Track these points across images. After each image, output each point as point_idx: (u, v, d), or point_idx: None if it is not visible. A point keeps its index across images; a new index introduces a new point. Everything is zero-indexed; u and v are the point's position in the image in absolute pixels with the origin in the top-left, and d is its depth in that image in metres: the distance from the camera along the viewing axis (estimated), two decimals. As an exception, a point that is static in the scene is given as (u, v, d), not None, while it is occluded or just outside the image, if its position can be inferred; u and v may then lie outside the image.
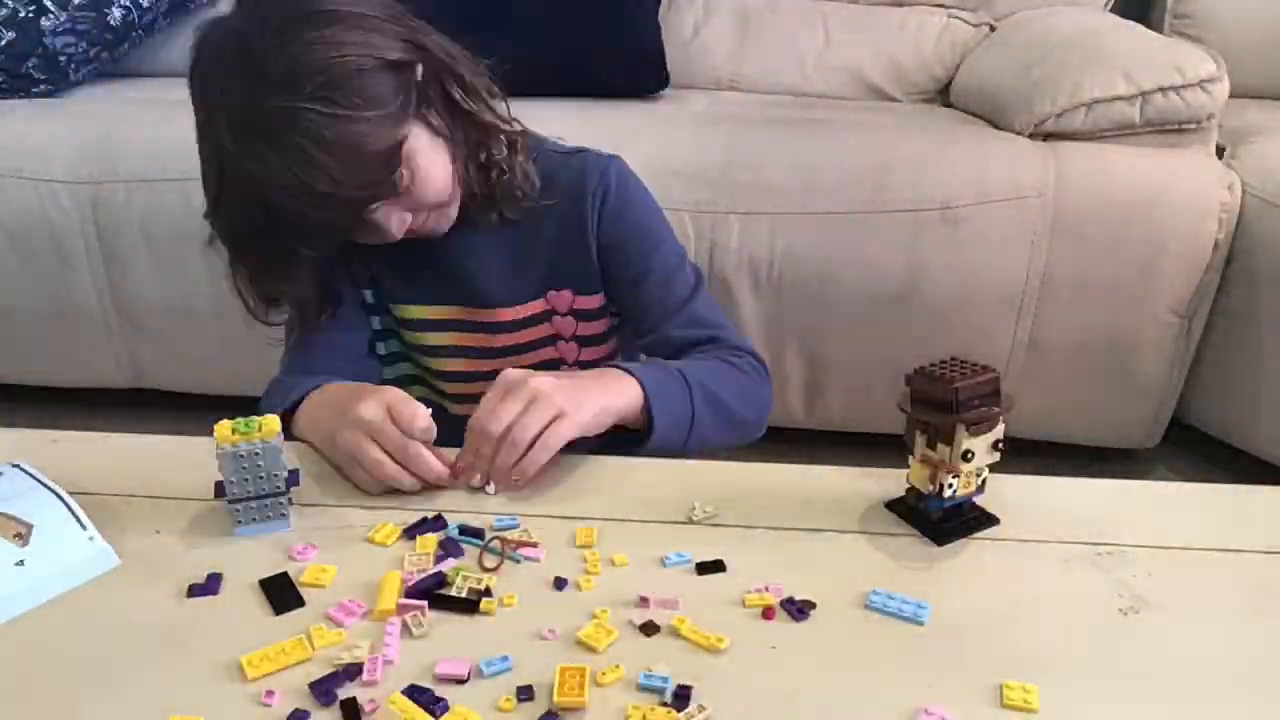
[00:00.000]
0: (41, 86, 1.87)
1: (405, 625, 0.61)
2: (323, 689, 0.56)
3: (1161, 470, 1.78)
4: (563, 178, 0.95)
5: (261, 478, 0.68)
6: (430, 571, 0.65)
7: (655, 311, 0.97)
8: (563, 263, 0.96)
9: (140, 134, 1.68)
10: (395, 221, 0.84)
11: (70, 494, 0.70)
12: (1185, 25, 2.11)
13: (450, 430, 0.77)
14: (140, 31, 1.97)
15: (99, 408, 1.78)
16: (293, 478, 0.71)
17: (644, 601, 0.63)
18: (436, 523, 0.71)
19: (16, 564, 0.64)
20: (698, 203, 1.61)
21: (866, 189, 1.59)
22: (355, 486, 0.75)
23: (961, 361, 0.67)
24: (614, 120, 1.71)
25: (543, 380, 0.76)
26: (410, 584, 0.64)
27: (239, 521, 0.69)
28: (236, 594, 0.64)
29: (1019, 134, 1.66)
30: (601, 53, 1.85)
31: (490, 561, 0.67)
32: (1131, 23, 1.91)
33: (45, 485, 0.71)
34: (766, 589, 0.64)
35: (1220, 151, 1.67)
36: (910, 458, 0.70)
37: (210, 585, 0.65)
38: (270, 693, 0.56)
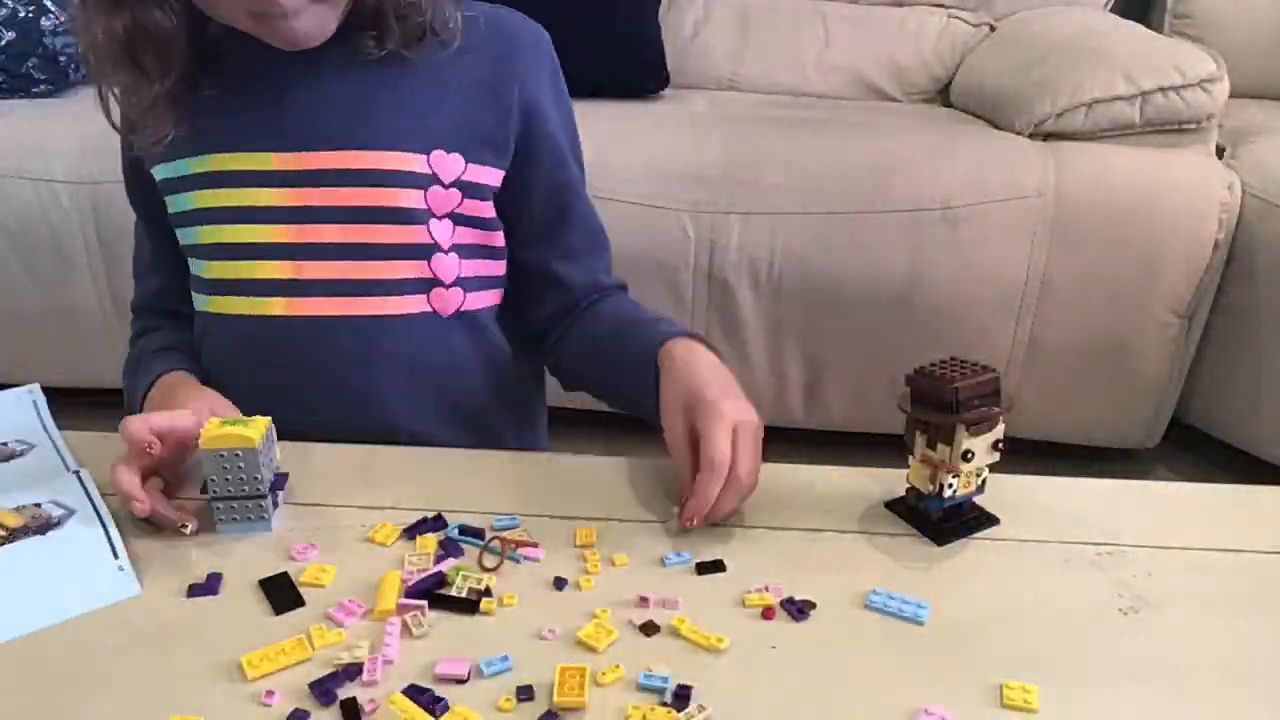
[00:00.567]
0: (41, 86, 1.87)
1: (405, 625, 0.61)
2: (323, 689, 0.56)
3: (1161, 470, 1.78)
4: (483, 24, 0.82)
5: (242, 479, 0.68)
6: (430, 571, 0.65)
7: (575, 239, 0.88)
8: (464, 124, 0.82)
9: (140, 134, 1.68)
10: None
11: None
12: (1185, 25, 2.11)
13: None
14: (140, 31, 1.97)
15: (99, 408, 1.78)
16: (278, 482, 0.71)
17: (644, 601, 0.63)
18: (436, 523, 0.71)
19: (37, 579, 0.64)
20: (698, 203, 1.61)
21: (866, 189, 1.59)
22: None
23: (961, 361, 0.67)
24: (614, 120, 1.71)
25: (737, 405, 0.70)
26: (410, 584, 0.64)
27: (220, 520, 0.69)
28: (236, 594, 0.64)
29: (1019, 134, 1.67)
30: (601, 53, 1.85)
31: (490, 561, 0.67)
32: (1131, 23, 1.91)
33: (93, 502, 0.71)
34: (766, 589, 0.64)
35: (1220, 151, 1.68)
36: (910, 458, 0.70)
37: (210, 585, 0.64)
38: (270, 693, 0.55)
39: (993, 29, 2.10)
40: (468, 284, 0.85)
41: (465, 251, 0.85)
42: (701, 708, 0.54)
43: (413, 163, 0.80)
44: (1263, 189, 1.58)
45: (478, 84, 0.82)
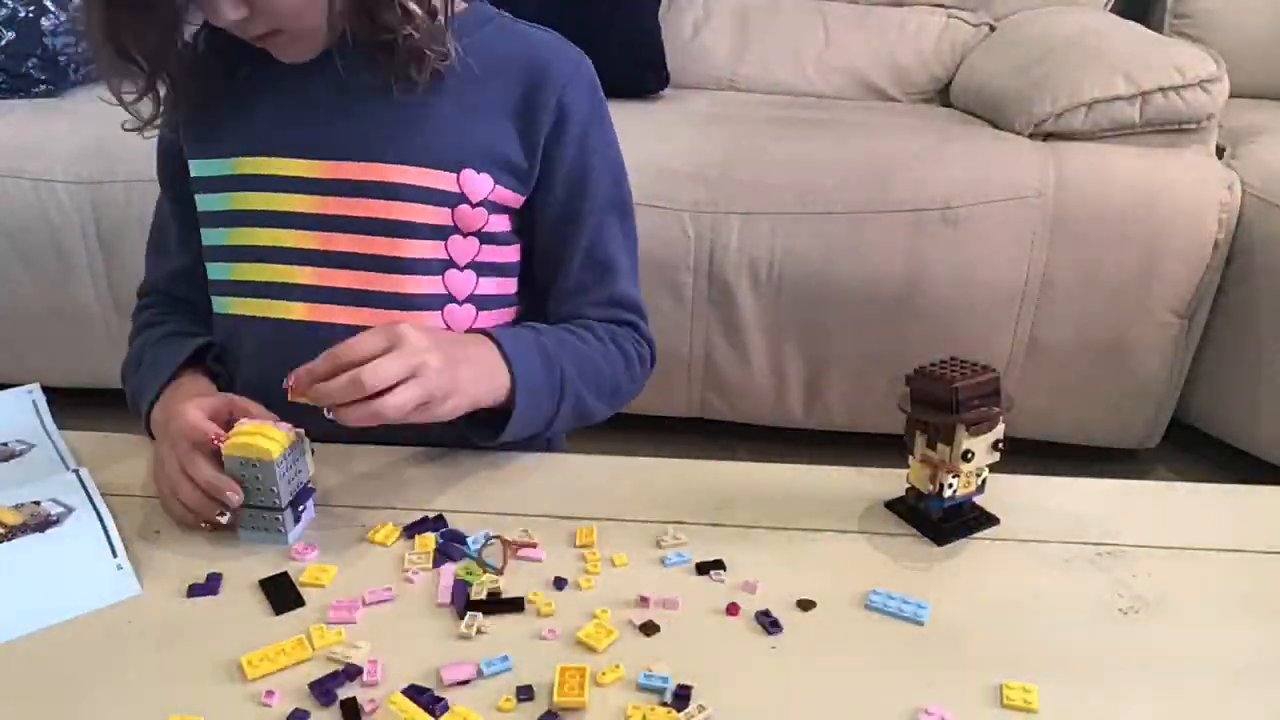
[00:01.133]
0: (41, 86, 1.87)
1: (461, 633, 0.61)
2: (323, 689, 0.56)
3: (1161, 470, 1.78)
4: (521, 49, 0.83)
5: (259, 490, 0.67)
6: (448, 585, 0.65)
7: (575, 269, 0.86)
8: (493, 145, 0.82)
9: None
10: (227, 4, 0.70)
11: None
12: (1185, 25, 2.11)
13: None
14: (140, 31, 1.97)
15: (99, 408, 1.78)
16: (302, 496, 0.70)
17: (644, 601, 0.63)
18: (437, 522, 0.71)
19: (33, 580, 0.64)
20: (698, 203, 1.61)
21: (866, 189, 1.59)
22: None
23: (961, 361, 0.67)
24: (614, 120, 1.71)
25: (425, 338, 0.69)
26: (445, 603, 0.63)
27: (242, 527, 0.69)
28: (236, 594, 0.64)
29: (1019, 134, 1.67)
30: (601, 53, 1.84)
31: (494, 559, 0.67)
32: (1131, 23, 1.91)
33: (92, 501, 0.71)
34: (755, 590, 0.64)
35: (1220, 151, 1.68)
36: (910, 458, 0.70)
37: (210, 585, 0.65)
38: (270, 693, 0.56)
39: (993, 29, 2.10)
40: (481, 302, 0.85)
41: (482, 270, 0.85)
42: (701, 708, 0.54)
43: (442, 180, 0.80)
44: (1263, 189, 1.58)
45: (510, 108, 0.82)
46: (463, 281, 0.84)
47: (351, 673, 0.57)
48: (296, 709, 0.54)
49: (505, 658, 0.58)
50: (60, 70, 1.88)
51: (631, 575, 0.66)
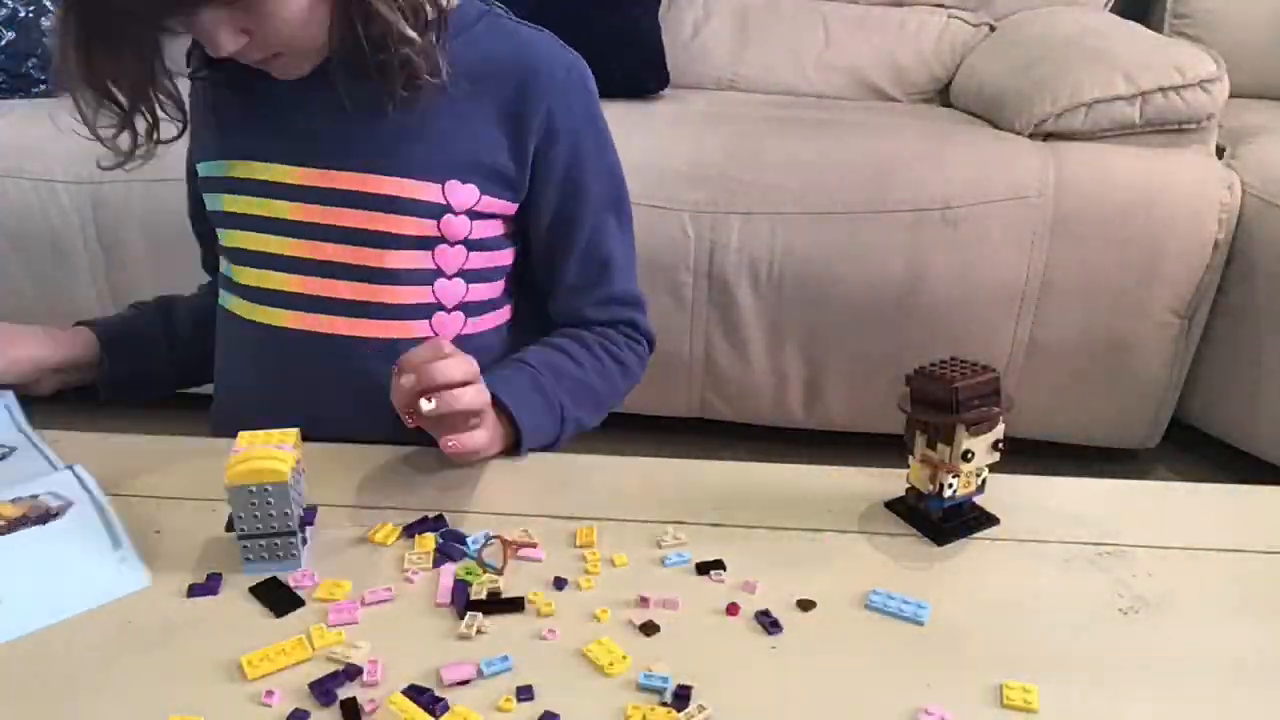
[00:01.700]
0: (41, 86, 1.87)
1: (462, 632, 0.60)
2: (323, 689, 0.56)
3: (1161, 470, 1.79)
4: (513, 53, 0.82)
5: (270, 515, 0.65)
6: (449, 586, 0.64)
7: (573, 270, 0.87)
8: (481, 155, 0.82)
9: (140, 134, 1.68)
10: (225, 36, 0.70)
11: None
12: (1185, 25, 2.11)
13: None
14: (140, 31, 1.97)
15: (98, 407, 1.78)
16: (307, 516, 0.69)
17: (644, 601, 0.63)
18: (437, 522, 0.71)
19: (38, 575, 0.64)
20: (698, 203, 1.61)
21: (866, 189, 1.59)
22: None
23: (961, 361, 0.67)
24: (614, 120, 1.71)
25: (461, 365, 0.70)
26: (445, 603, 0.63)
27: (248, 559, 0.66)
28: (236, 594, 0.64)
29: (1019, 134, 1.67)
30: (601, 53, 1.84)
31: (494, 560, 0.67)
32: (1131, 23, 1.91)
33: (91, 495, 0.71)
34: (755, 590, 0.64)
35: (1220, 151, 1.68)
36: (910, 458, 0.70)
37: (210, 585, 0.64)
38: (270, 693, 0.55)
39: (993, 29, 2.10)
40: (470, 309, 0.86)
41: (472, 277, 0.85)
42: (701, 708, 0.54)
43: (427, 191, 0.80)
44: (1263, 189, 1.58)
45: (498, 115, 0.82)
46: (452, 290, 0.84)
47: (351, 673, 0.57)
48: (296, 709, 0.54)
49: (505, 658, 0.58)
50: (60, 70, 1.88)
51: (631, 575, 0.66)
